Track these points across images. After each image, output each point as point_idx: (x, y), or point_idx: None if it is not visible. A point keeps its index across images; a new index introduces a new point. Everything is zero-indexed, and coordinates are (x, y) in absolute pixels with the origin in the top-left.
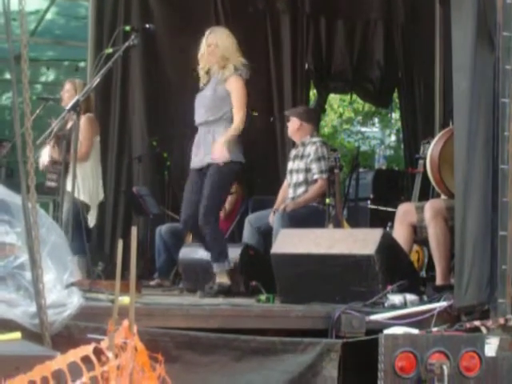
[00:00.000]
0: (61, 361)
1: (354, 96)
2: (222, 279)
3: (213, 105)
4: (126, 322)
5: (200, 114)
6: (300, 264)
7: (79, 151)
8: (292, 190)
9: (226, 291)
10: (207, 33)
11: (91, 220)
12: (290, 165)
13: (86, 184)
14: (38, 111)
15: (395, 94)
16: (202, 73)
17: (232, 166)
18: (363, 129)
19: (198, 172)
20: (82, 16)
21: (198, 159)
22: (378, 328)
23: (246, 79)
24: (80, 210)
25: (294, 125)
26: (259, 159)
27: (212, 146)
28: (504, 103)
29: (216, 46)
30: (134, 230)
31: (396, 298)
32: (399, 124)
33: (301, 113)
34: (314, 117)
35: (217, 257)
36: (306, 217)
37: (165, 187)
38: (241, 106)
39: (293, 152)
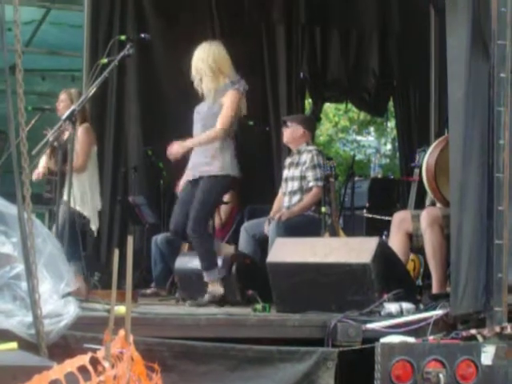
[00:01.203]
0: (58, 371)
1: (350, 105)
2: (214, 287)
3: (208, 120)
4: (122, 332)
5: (196, 128)
6: (296, 273)
7: (77, 162)
8: (287, 198)
9: (218, 300)
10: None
11: (95, 229)
12: (285, 173)
13: (83, 194)
14: (33, 121)
15: (390, 103)
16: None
17: (222, 180)
18: (358, 138)
19: (189, 183)
20: (78, 26)
21: (190, 172)
22: (374, 337)
23: (243, 92)
24: (75, 219)
25: (296, 132)
26: (255, 168)
27: (213, 161)
28: (499, 111)
29: (196, 67)
30: (130, 240)
31: (392, 307)
32: (395, 133)
33: (304, 120)
34: (313, 125)
35: (206, 266)
36: (301, 225)
37: (160, 197)
38: (227, 120)
39: (288, 160)
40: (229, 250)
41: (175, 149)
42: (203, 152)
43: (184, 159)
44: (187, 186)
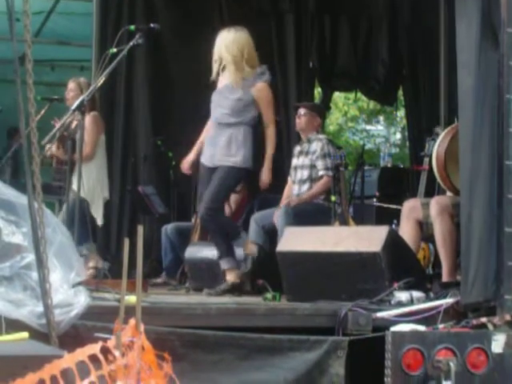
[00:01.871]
0: (69, 359)
1: (359, 94)
2: (231, 277)
3: (237, 108)
4: (132, 321)
5: (221, 114)
6: (306, 262)
7: (84, 150)
8: (297, 186)
9: (234, 290)
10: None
11: (99, 219)
12: (295, 161)
13: (90, 183)
14: (43, 111)
15: (400, 92)
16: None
17: (238, 172)
18: (368, 127)
19: (208, 169)
20: (87, 15)
21: (208, 157)
22: (384, 325)
23: (270, 83)
24: (85, 204)
25: (313, 121)
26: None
27: (236, 153)
28: (509, 99)
29: (219, 53)
30: (140, 229)
31: (402, 295)
32: (404, 122)
33: (320, 109)
34: (324, 114)
35: (223, 253)
36: (310, 214)
37: (170, 187)
38: (273, 117)
39: (297, 148)
40: (253, 248)
41: (267, 180)
42: (227, 144)
43: None
44: (205, 171)
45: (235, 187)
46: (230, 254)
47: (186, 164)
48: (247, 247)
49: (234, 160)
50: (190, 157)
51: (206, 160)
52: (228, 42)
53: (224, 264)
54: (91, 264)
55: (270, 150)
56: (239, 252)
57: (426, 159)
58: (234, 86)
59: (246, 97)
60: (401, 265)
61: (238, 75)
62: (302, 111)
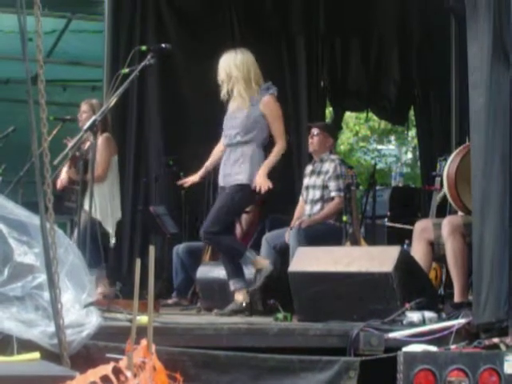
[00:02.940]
0: (81, 380)
1: (370, 114)
2: (239, 298)
3: (244, 127)
4: (144, 342)
5: (229, 136)
6: (317, 282)
7: (96, 171)
8: (309, 206)
9: (241, 310)
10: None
11: (111, 239)
12: (306, 180)
13: (102, 204)
14: (54, 132)
15: (411, 112)
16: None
17: (242, 189)
18: (379, 146)
19: (221, 189)
20: (98, 37)
21: (221, 177)
22: (396, 346)
23: (277, 96)
24: (97, 226)
25: (326, 141)
26: (275, 178)
27: (242, 170)
28: None
29: (229, 73)
30: (151, 250)
31: (414, 316)
32: (415, 141)
33: (332, 129)
34: (336, 133)
35: (229, 274)
36: (322, 234)
37: (181, 207)
38: (282, 131)
39: (309, 167)
40: (264, 263)
41: (264, 184)
42: (235, 161)
43: None
44: (220, 192)
45: (243, 205)
46: (238, 274)
47: (187, 182)
48: (258, 263)
49: (239, 177)
50: (195, 178)
51: (220, 180)
52: (237, 62)
53: (232, 285)
54: (100, 290)
55: (269, 160)
56: (247, 271)
57: (438, 179)
58: (242, 105)
59: (254, 113)
60: (413, 285)
61: (247, 93)
62: (315, 131)
